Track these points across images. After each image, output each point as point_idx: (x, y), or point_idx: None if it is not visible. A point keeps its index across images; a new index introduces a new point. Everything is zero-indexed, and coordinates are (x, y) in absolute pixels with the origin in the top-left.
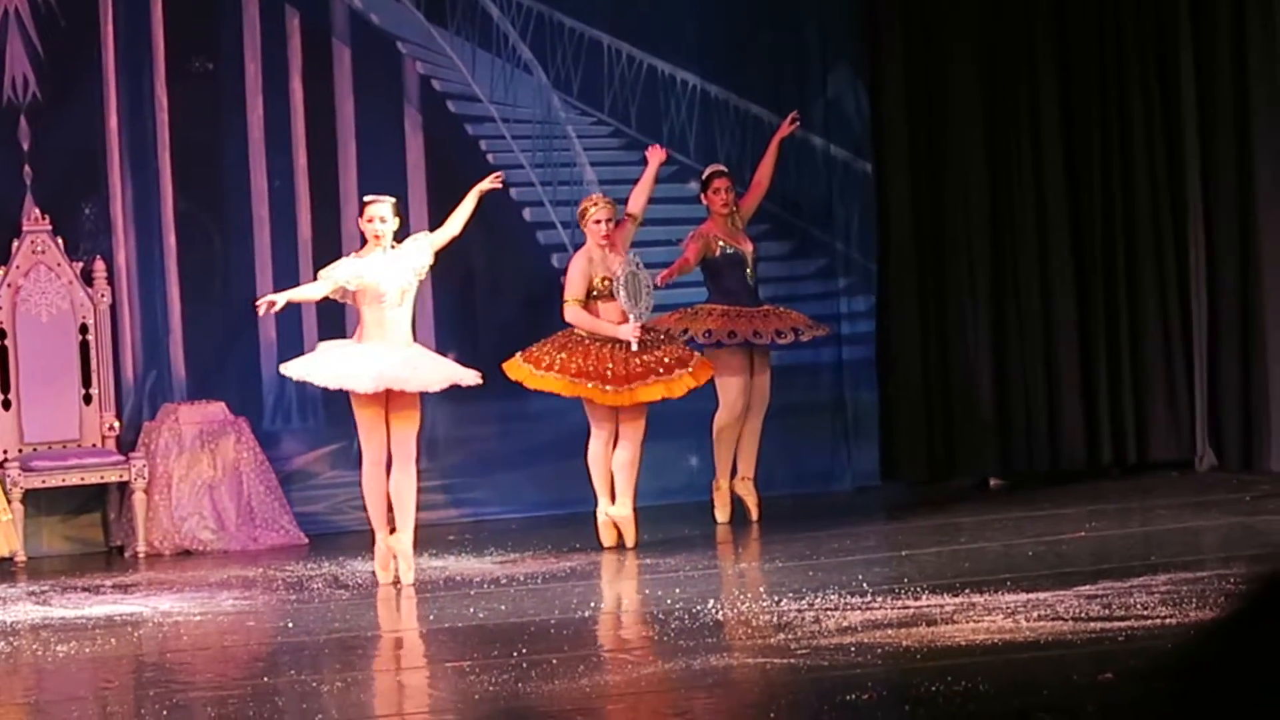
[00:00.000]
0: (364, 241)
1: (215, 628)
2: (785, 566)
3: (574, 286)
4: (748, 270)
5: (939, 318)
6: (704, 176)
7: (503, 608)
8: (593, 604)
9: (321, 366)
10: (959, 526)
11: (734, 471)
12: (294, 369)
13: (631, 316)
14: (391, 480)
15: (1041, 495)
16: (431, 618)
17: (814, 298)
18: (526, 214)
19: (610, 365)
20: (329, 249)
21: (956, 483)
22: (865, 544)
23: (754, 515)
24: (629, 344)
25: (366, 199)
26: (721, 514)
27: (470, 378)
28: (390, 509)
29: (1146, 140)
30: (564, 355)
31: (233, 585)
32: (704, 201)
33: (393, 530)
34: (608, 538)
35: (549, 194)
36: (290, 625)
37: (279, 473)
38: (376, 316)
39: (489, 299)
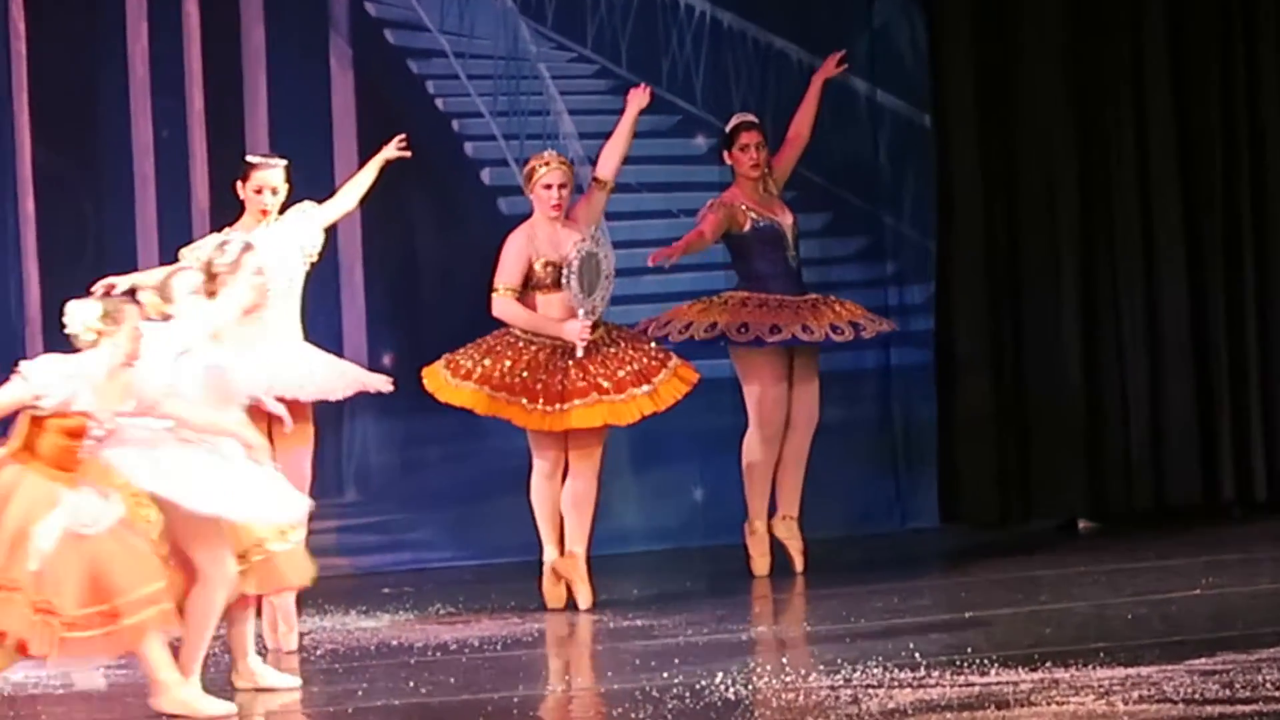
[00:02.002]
0: (242, 211)
1: (85, 707)
2: (816, 630)
3: (506, 272)
4: (788, 249)
5: (1015, 314)
6: (729, 129)
7: (452, 681)
8: (566, 677)
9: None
10: (1038, 581)
11: (772, 509)
12: None
13: (581, 311)
14: None
15: (1144, 542)
16: (360, 694)
17: (855, 286)
18: (485, 175)
19: (543, 377)
20: (231, 215)
21: (1035, 525)
22: (918, 603)
23: (798, 565)
24: (574, 348)
25: (253, 160)
26: (760, 565)
27: (340, 390)
28: None
29: None
30: (489, 361)
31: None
32: (728, 161)
33: None
34: (553, 596)
35: (514, 150)
36: None
37: None
38: None
39: (436, 286)
